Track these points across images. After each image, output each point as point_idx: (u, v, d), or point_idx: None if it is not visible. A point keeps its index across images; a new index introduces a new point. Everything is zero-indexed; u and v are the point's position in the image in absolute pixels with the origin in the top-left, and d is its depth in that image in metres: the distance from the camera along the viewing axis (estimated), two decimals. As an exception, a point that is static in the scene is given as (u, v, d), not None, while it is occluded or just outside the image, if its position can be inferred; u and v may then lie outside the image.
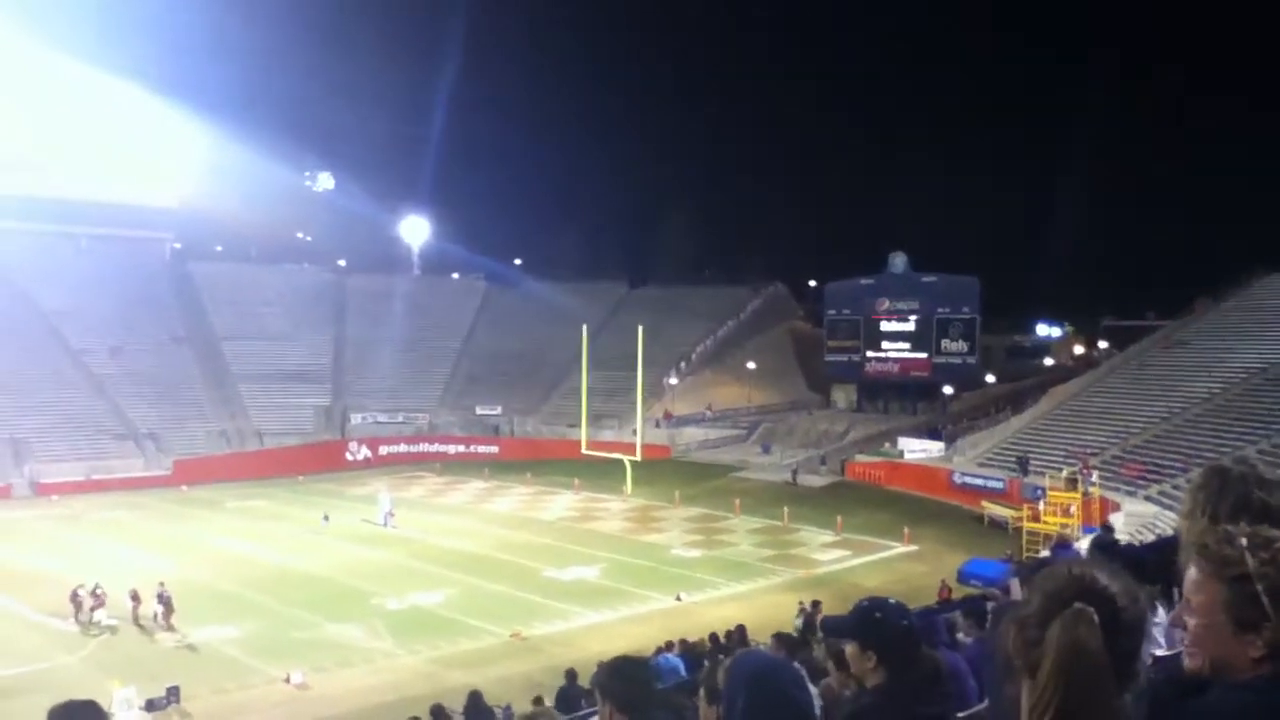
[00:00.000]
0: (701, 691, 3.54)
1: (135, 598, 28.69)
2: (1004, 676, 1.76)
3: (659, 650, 18.88)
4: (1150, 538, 25.74)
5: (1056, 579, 1.71)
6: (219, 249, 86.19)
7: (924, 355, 66.14)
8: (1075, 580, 1.69)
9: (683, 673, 16.45)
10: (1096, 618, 1.62)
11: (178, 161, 73.88)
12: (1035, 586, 1.75)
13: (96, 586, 28.76)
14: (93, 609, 28.30)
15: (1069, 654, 1.59)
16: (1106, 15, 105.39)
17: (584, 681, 17.63)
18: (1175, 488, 37.55)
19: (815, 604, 24.06)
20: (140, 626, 28.32)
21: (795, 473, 53.62)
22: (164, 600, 28.29)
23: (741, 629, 19.26)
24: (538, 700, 16.27)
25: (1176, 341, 53.59)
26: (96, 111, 68.35)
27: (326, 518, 43.39)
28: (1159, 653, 4.35)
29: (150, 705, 21.93)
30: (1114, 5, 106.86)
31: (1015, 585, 7.36)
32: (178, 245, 78.27)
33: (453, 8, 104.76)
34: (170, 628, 28.01)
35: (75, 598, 28.46)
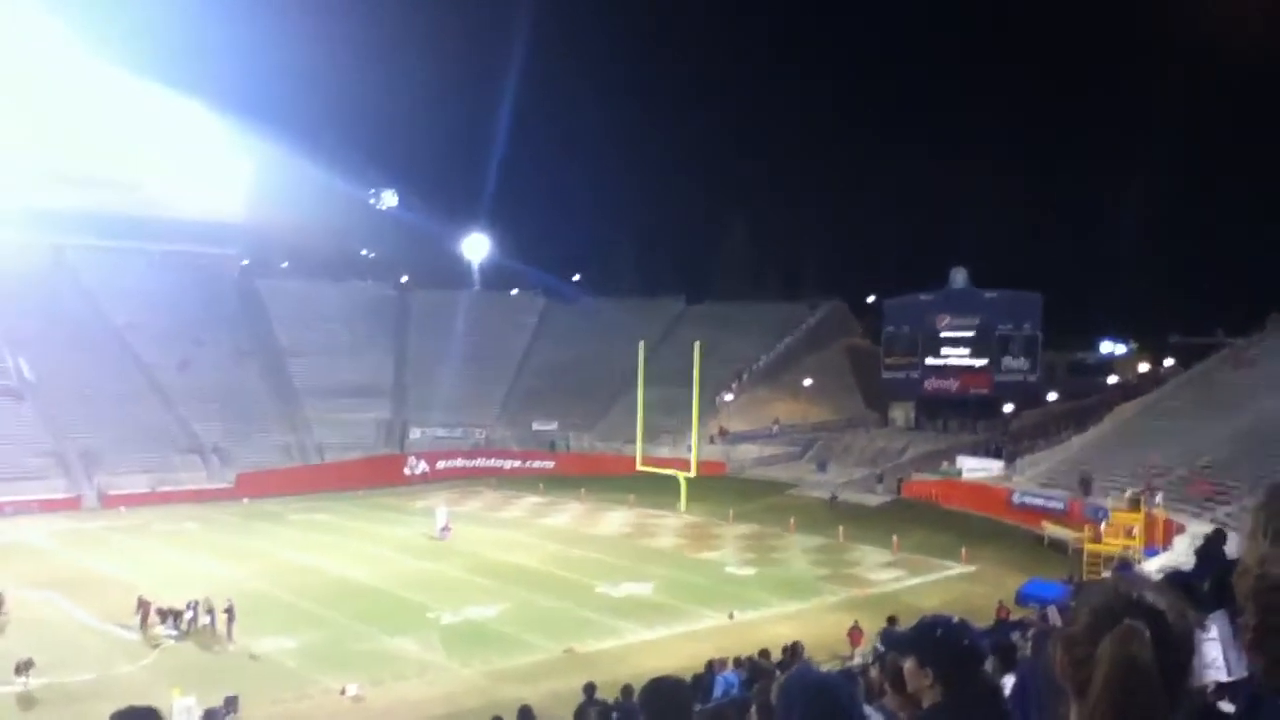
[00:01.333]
0: (754, 708, 3.53)
1: (193, 608, 29.12)
2: (1052, 698, 1.74)
3: (713, 665, 18.79)
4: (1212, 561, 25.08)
5: (1104, 595, 1.68)
6: (285, 265, 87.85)
7: (984, 372, 65.29)
8: (1123, 596, 1.66)
9: (736, 689, 16.37)
10: (1148, 634, 1.58)
11: (243, 178, 75.46)
12: (1081, 604, 1.71)
13: (194, 603, 29.27)
14: (190, 620, 28.81)
15: (1121, 671, 1.56)
16: (1171, 23, 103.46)
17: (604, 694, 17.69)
18: (1243, 510, 36.58)
19: (891, 620, 23.56)
20: (202, 634, 28.74)
21: (835, 495, 52.81)
22: (229, 612, 28.72)
23: (797, 646, 19.11)
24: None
25: (1245, 359, 52.28)
26: (164, 129, 70.12)
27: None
28: (1221, 679, 4.24)
29: (209, 715, 22.27)
30: (1180, 13, 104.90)
31: (1053, 613, 7.22)
32: (245, 261, 79.82)
33: (515, 26, 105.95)
34: (231, 638, 28.41)
35: (164, 612, 28.94)
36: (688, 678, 14.79)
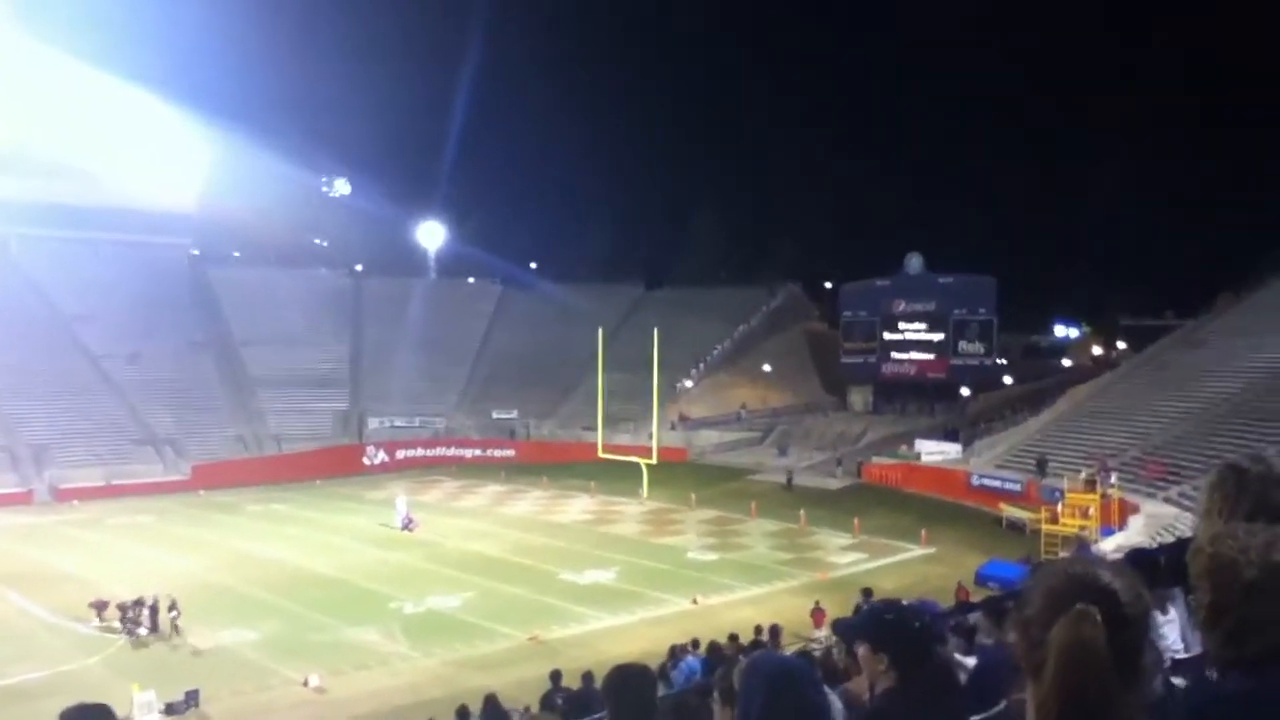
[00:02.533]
0: (715, 693, 3.52)
1: (140, 604, 28.57)
2: (1014, 679, 1.75)
3: (678, 650, 18.87)
4: (1170, 539, 25.56)
5: (1055, 578, 1.68)
6: (236, 254, 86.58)
7: (941, 356, 65.94)
8: (1076, 579, 1.66)
9: (699, 674, 16.44)
10: (1099, 616, 1.59)
11: (195, 167, 74.32)
12: (1034, 586, 1.72)
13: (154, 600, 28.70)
14: (174, 620, 28.20)
15: (1072, 654, 1.57)
16: (1125, 11, 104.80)
17: (568, 682, 17.73)
18: (1195, 489, 37.24)
19: (866, 592, 23.64)
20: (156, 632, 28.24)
21: (791, 477, 53.27)
22: (172, 605, 28.29)
23: (776, 628, 19.22)
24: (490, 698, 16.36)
25: (1196, 341, 53.22)
26: (114, 118, 68.86)
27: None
28: (1179, 655, 4.32)
29: (170, 708, 22.07)
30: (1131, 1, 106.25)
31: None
32: (196, 251, 78.74)
33: (468, 13, 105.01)
34: (177, 631, 27.96)
35: (124, 607, 28.28)
36: (652, 663, 14.83)
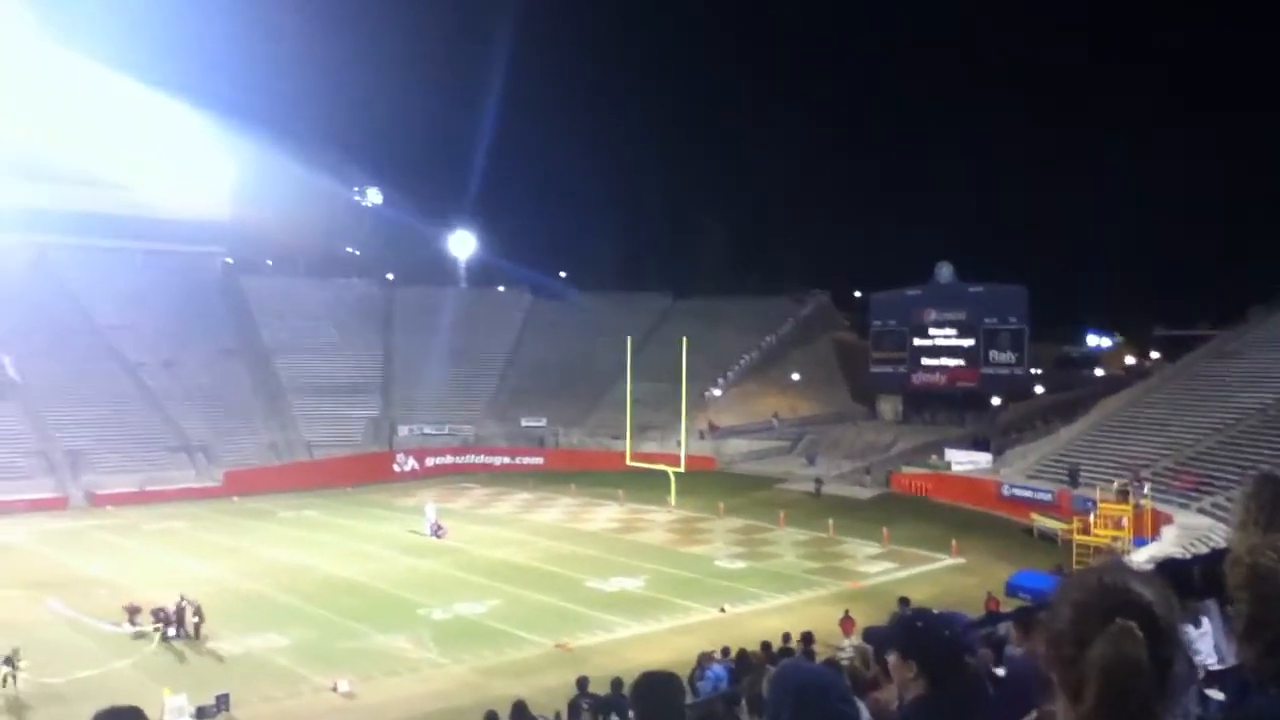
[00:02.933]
0: (743, 701, 3.54)
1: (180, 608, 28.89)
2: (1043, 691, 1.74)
3: (705, 658, 18.86)
4: (1204, 550, 25.27)
5: (1087, 590, 1.65)
6: (269, 263, 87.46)
7: (972, 366, 65.50)
8: (1110, 591, 1.63)
9: (725, 683, 16.43)
10: (1139, 631, 1.57)
11: (227, 176, 75.06)
12: (1062, 598, 1.68)
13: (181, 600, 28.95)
14: (196, 623, 28.44)
15: (1116, 671, 1.55)
16: (1158, 21, 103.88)
17: (595, 689, 17.76)
18: (1229, 500, 36.79)
19: (904, 601, 23.50)
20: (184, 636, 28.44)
21: (819, 485, 53.18)
22: (195, 610, 28.55)
23: (808, 635, 19.16)
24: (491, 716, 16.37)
25: (1229, 351, 52.59)
26: (148, 127, 69.63)
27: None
28: (1212, 666, 4.29)
29: (201, 712, 22.25)
30: (1167, 11, 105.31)
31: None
32: (229, 260, 79.52)
33: (500, 24, 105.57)
34: (198, 636, 28.18)
35: (161, 613, 28.59)
36: (680, 672, 14.84)
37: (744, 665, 16.75)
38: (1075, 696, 1.59)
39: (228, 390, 64.66)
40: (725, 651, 19.99)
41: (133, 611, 28.91)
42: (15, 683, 23.67)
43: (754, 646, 19.48)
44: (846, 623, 26.24)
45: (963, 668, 3.22)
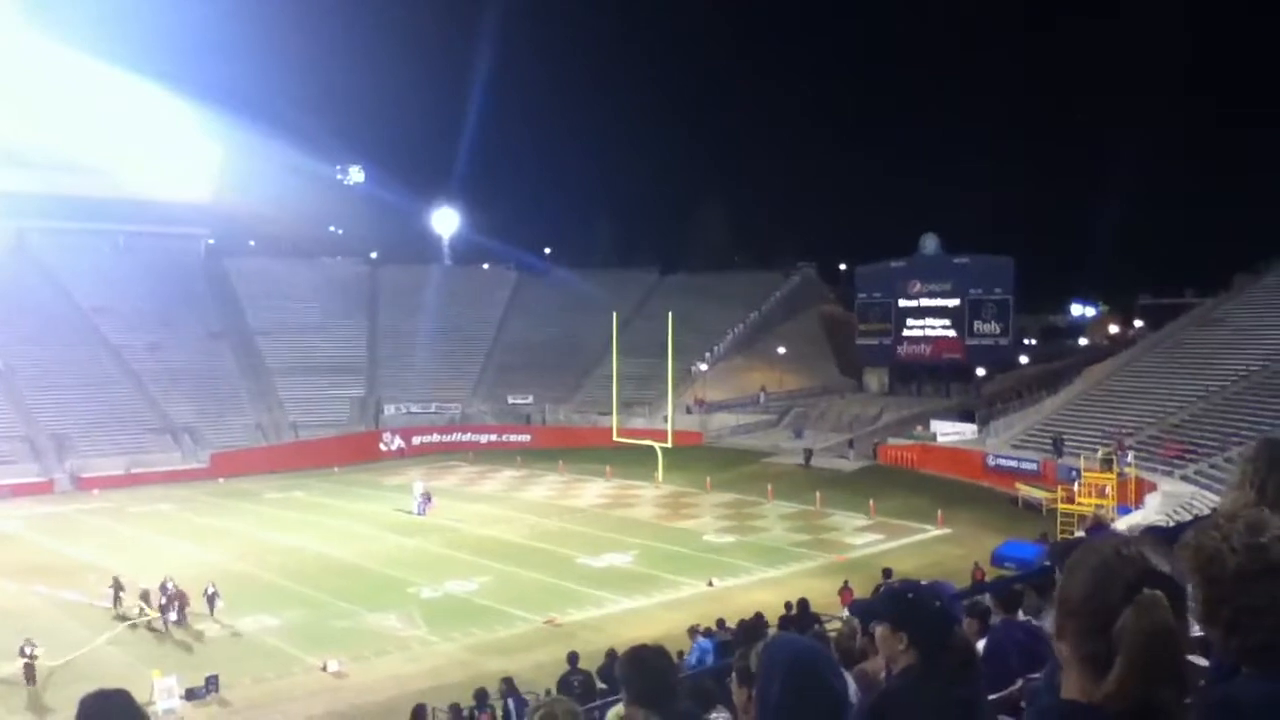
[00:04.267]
0: (733, 674, 3.53)
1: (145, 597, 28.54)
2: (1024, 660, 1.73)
3: (693, 632, 18.94)
4: (1187, 518, 25.45)
5: (1105, 560, 1.65)
6: (252, 244, 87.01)
7: (957, 337, 65.67)
8: (1129, 561, 1.63)
9: (711, 657, 16.47)
10: (1166, 600, 1.58)
11: (209, 158, 74.44)
12: (1080, 569, 1.68)
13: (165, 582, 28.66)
14: (176, 607, 28.13)
15: (1154, 641, 1.56)
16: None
17: (585, 665, 17.84)
18: (1213, 467, 37.09)
19: (886, 572, 23.62)
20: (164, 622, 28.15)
21: (809, 456, 53.50)
22: (211, 598, 28.38)
23: (804, 602, 19.22)
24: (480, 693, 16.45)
25: (1213, 319, 52.87)
26: (129, 111, 68.89)
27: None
28: (1195, 633, 4.31)
29: (190, 694, 22.28)
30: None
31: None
32: (212, 241, 79.01)
33: (482, 3, 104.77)
34: (183, 622, 27.95)
35: (145, 595, 28.41)
36: (670, 646, 14.88)
37: (748, 635, 16.75)
38: (1099, 666, 1.60)
39: (213, 372, 64.39)
40: (720, 624, 20.05)
41: (118, 591, 28.75)
42: (35, 673, 23.37)
43: (746, 618, 19.57)
44: (846, 593, 26.34)
45: (953, 638, 3.21)
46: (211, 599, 28.27)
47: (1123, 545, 1.67)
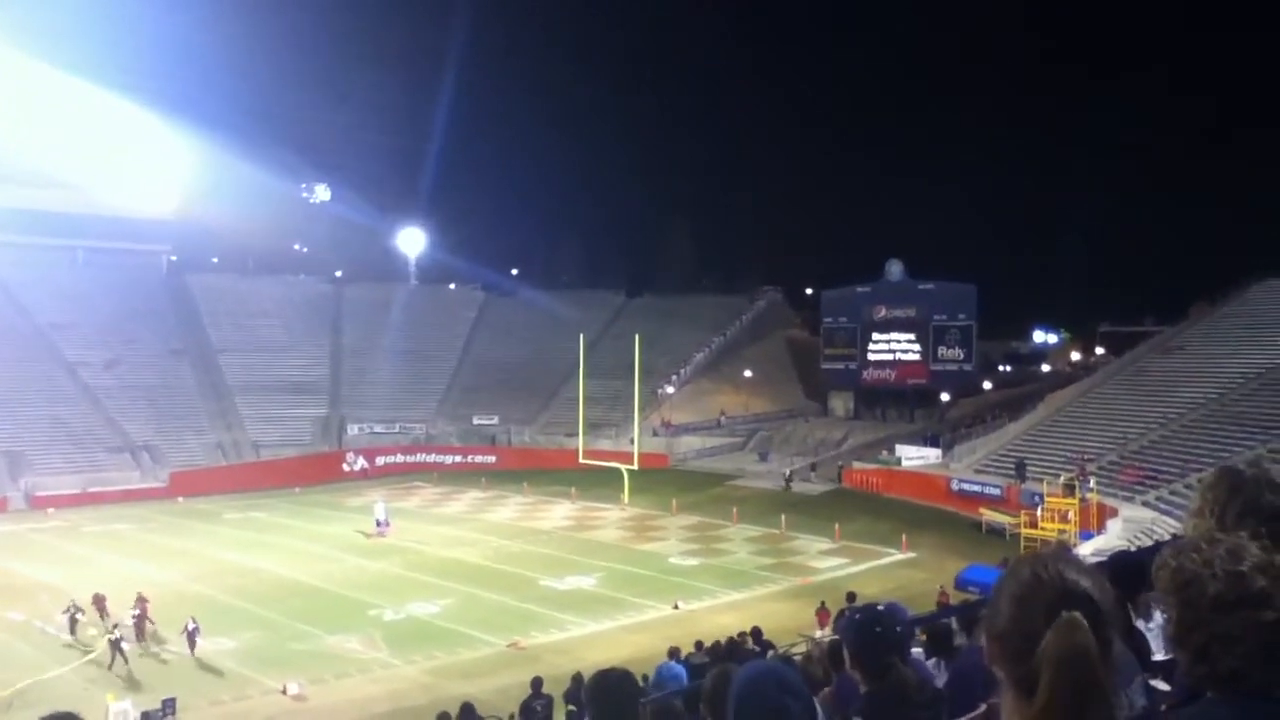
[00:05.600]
0: (702, 704, 3.52)
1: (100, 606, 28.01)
2: (991, 683, 1.73)
3: (672, 655, 18.77)
4: (1148, 543, 25.70)
5: (1024, 584, 1.66)
6: (215, 260, 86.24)
7: (921, 362, 66.13)
8: (1047, 583, 1.64)
9: (684, 681, 16.33)
10: (1085, 622, 1.58)
11: (173, 174, 73.80)
12: (1002, 594, 1.69)
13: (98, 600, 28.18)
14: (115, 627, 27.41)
15: (1072, 664, 1.55)
16: (1097, 24, 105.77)
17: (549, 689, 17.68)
18: (1173, 493, 37.54)
19: (850, 596, 23.62)
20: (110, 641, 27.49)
21: (789, 478, 53.67)
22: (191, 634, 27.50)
23: (757, 630, 19.21)
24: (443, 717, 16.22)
25: (1174, 347, 53.63)
26: (92, 125, 68.32)
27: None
28: (1158, 658, 4.31)
29: (147, 718, 21.83)
30: (1106, 15, 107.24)
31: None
32: (174, 258, 78.31)
33: (450, 20, 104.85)
34: (141, 640, 27.38)
35: (74, 616, 27.91)
36: (635, 669, 14.75)
37: (721, 658, 16.62)
38: (1027, 691, 1.59)
39: (173, 390, 63.61)
40: (698, 646, 19.90)
41: (74, 614, 28.03)
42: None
43: (708, 643, 19.50)
44: (822, 614, 26.28)
45: (894, 667, 3.20)
46: (192, 635, 26.56)
47: (1041, 568, 1.67)
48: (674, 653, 18.79)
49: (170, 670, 25.94)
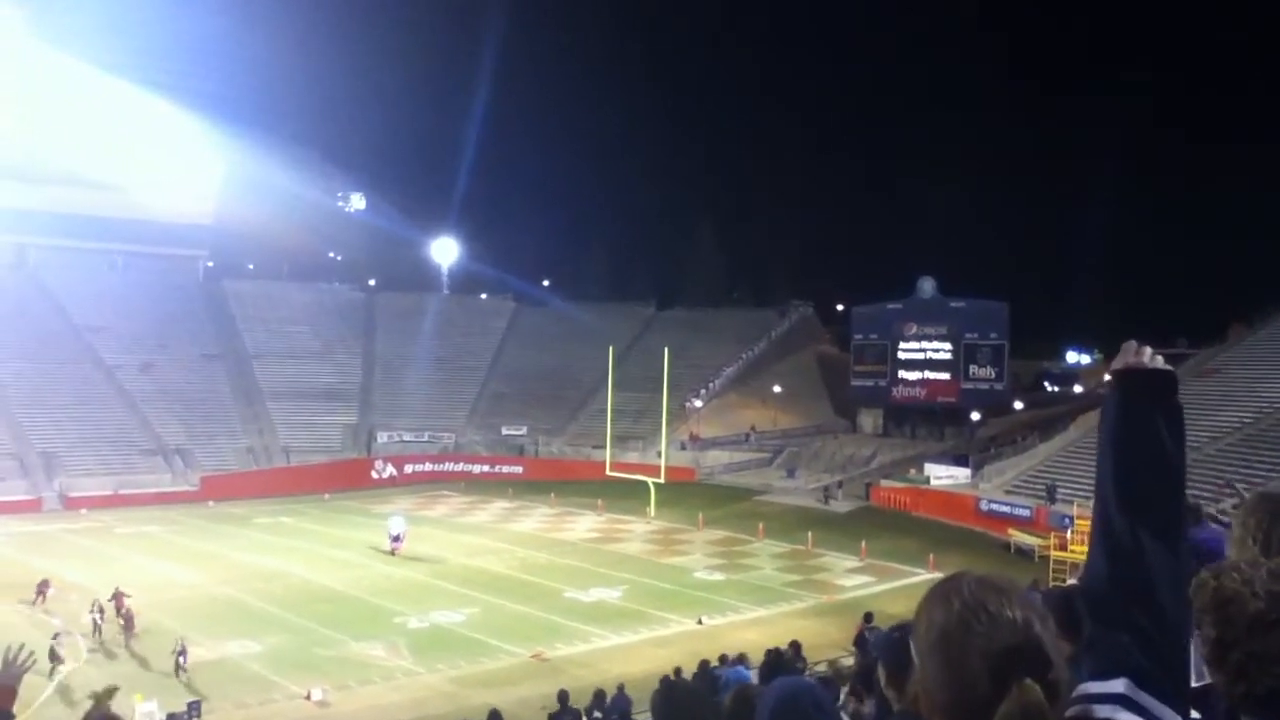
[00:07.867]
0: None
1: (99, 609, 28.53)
2: None
3: (727, 660, 18.65)
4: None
5: (960, 649, 1.58)
6: (251, 267, 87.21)
7: (952, 380, 65.67)
8: (987, 642, 1.57)
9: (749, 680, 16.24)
10: (1037, 686, 1.53)
11: (212, 180, 74.75)
12: (932, 660, 1.63)
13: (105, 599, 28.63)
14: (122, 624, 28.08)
15: None
16: (1137, 40, 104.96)
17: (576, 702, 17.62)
18: (1208, 517, 36.97)
19: (867, 616, 23.42)
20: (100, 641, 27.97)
21: (827, 491, 53.54)
22: (125, 614, 28.14)
23: (796, 645, 19.12)
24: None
25: (1211, 370, 52.96)
26: (133, 128, 69.28)
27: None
28: (1193, 684, 4.26)
29: (172, 719, 21.98)
30: (1144, 29, 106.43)
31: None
32: (211, 263, 79.18)
33: (487, 32, 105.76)
34: (129, 640, 27.84)
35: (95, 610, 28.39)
36: (655, 685, 14.68)
37: (773, 668, 16.49)
38: None
39: (206, 394, 64.24)
40: (725, 658, 19.79)
41: (98, 611, 28.46)
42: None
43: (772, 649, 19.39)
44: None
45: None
46: (179, 657, 25.67)
47: (974, 619, 1.60)
48: (724, 659, 18.71)
49: (196, 672, 26.08)
